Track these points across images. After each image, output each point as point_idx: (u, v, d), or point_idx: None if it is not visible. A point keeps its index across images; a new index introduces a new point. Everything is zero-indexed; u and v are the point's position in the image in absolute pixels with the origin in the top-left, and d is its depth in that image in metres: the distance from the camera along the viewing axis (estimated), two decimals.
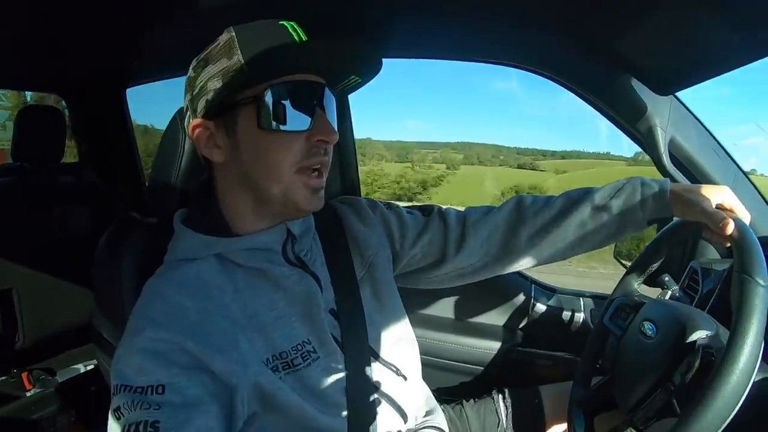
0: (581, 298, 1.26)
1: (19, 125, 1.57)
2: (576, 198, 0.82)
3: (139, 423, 0.52)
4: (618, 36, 0.83)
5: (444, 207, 0.89)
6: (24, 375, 1.67)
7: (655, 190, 0.78)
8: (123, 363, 0.57)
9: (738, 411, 0.53)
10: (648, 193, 0.78)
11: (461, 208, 0.89)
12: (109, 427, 0.55)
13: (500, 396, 0.99)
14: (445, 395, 1.04)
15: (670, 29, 0.78)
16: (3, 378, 1.64)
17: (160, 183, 0.78)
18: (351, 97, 1.26)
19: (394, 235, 0.84)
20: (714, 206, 0.71)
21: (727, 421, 0.53)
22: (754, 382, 0.54)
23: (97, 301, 0.84)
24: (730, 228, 0.65)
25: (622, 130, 0.98)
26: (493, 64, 1.04)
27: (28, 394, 1.65)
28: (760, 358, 0.54)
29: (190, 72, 0.67)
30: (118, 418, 0.54)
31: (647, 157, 0.95)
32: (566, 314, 1.22)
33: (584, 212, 0.81)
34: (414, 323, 1.05)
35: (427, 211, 0.88)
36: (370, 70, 0.70)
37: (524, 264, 0.85)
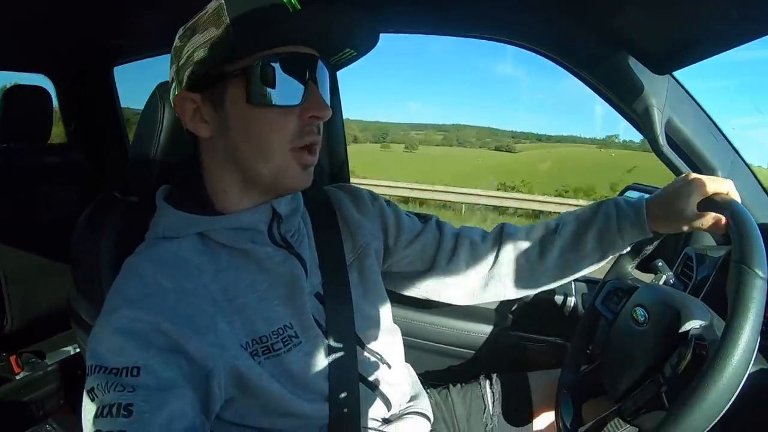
0: (573, 282, 1.24)
1: (4, 106, 1.54)
2: (553, 230, 0.83)
3: (113, 405, 0.51)
4: (614, 12, 0.80)
5: (441, 220, 0.90)
6: (12, 358, 1.66)
7: (631, 216, 0.77)
8: (98, 343, 0.55)
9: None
10: (624, 221, 0.77)
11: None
12: (83, 407, 0.54)
13: (488, 382, 0.98)
14: (432, 379, 1.03)
15: (667, 4, 0.75)
16: None
17: (140, 160, 0.76)
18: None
19: (390, 231, 0.83)
20: (696, 206, 0.70)
21: (718, 417, 0.51)
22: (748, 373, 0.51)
23: (75, 281, 0.82)
24: (722, 223, 0.67)
25: (617, 111, 0.95)
26: (488, 40, 1.01)
27: (17, 377, 1.64)
28: (755, 353, 0.51)
29: (177, 41, 0.64)
30: (92, 399, 0.53)
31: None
32: (558, 298, 1.20)
33: (563, 245, 0.82)
34: (404, 305, 1.04)
35: (424, 218, 0.88)
36: (367, 42, 0.66)
37: (506, 293, 0.86)
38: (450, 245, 0.85)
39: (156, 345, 0.55)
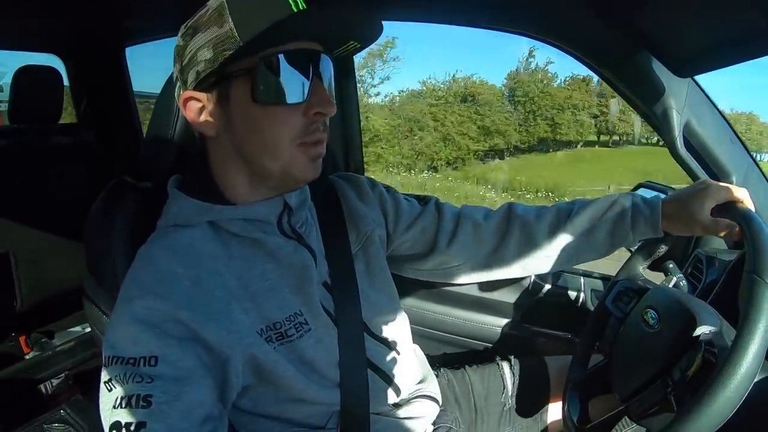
0: (582, 278, 1.24)
1: (16, 86, 1.53)
2: (566, 216, 0.83)
3: (132, 396, 0.52)
4: (640, 11, 0.79)
5: (441, 201, 0.89)
6: (22, 338, 1.68)
7: (646, 213, 0.78)
8: (114, 333, 0.56)
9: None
10: (638, 217, 0.79)
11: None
12: (101, 398, 0.54)
13: (506, 363, 0.99)
14: (446, 362, 1.04)
15: (694, 7, 0.74)
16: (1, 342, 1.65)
17: (155, 147, 0.75)
18: None
19: (389, 217, 0.84)
20: (710, 211, 0.72)
21: (722, 423, 0.52)
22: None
23: (89, 267, 0.83)
24: (736, 231, 0.69)
25: (635, 110, 0.95)
26: (505, 32, 0.99)
27: (27, 357, 1.66)
28: (762, 361, 0.52)
29: (179, 40, 0.64)
30: (110, 390, 0.53)
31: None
32: (571, 293, 1.20)
33: (574, 233, 0.82)
34: (413, 295, 1.03)
35: (424, 200, 0.88)
36: (371, 35, 0.66)
37: (511, 273, 0.87)
38: (450, 226, 0.85)
39: (173, 334, 0.56)
